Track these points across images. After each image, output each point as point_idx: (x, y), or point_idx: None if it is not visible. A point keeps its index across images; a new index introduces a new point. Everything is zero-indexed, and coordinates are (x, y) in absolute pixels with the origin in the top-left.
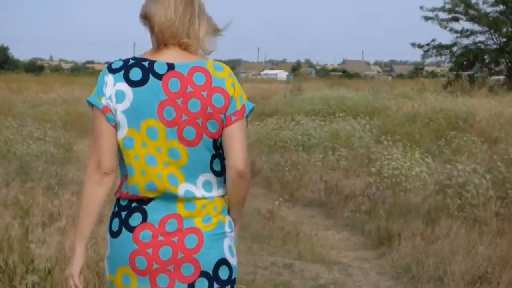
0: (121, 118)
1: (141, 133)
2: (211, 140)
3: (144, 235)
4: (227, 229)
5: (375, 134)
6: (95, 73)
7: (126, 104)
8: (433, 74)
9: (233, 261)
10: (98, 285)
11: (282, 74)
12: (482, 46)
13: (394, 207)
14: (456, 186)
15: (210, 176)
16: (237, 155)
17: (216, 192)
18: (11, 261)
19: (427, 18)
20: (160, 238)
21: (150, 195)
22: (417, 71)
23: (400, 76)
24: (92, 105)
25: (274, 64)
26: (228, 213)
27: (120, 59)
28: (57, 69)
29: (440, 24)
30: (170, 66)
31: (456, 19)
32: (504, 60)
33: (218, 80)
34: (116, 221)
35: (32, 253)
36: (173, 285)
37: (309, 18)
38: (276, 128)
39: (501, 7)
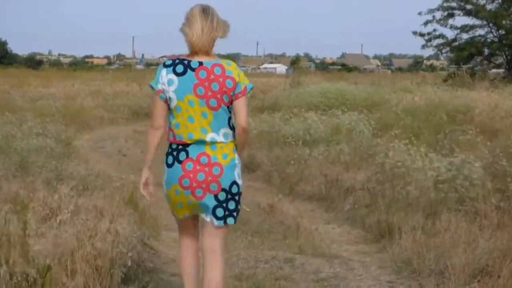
0: (172, 95)
1: (184, 103)
2: (226, 107)
3: (188, 166)
4: (236, 162)
5: (375, 128)
6: (94, 67)
7: (174, 86)
8: (432, 68)
9: (239, 182)
10: (97, 278)
11: (281, 68)
12: (482, 40)
13: (394, 200)
14: (456, 179)
15: (227, 130)
16: (241, 117)
17: (230, 138)
18: (11, 257)
19: (426, 22)
20: (198, 167)
21: (189, 142)
22: (416, 64)
23: (400, 69)
24: (152, 88)
25: (273, 58)
26: (237, 151)
27: (170, 60)
28: (56, 64)
29: (440, 24)
30: (200, 63)
31: (451, 15)
32: (503, 53)
33: (229, 71)
34: (170, 157)
35: (32, 248)
36: (205, 195)
37: (308, 11)
38: (276, 123)
39: (500, 0)
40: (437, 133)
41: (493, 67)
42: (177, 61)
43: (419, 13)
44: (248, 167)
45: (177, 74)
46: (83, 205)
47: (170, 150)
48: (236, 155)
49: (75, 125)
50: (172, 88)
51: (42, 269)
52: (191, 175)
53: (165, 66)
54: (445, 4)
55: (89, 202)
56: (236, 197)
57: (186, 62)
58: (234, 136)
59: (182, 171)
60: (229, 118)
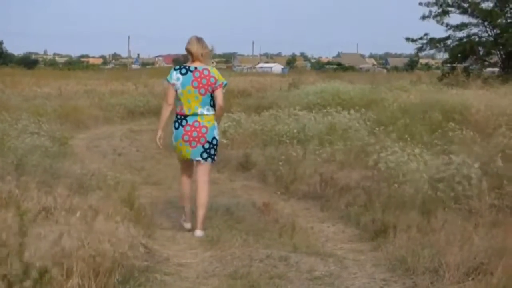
0: (179, 86)
1: (185, 91)
2: (210, 94)
3: (187, 128)
4: (215, 125)
5: (370, 127)
6: (89, 67)
7: (180, 81)
8: (427, 67)
9: (217, 137)
10: (93, 278)
11: (277, 67)
12: (476, 38)
13: (389, 199)
14: (451, 178)
15: (210, 107)
16: (219, 100)
17: (212, 112)
18: (6, 257)
19: (424, 17)
20: (193, 129)
21: (188, 114)
22: (412, 63)
23: (395, 68)
24: (167, 82)
25: (269, 57)
26: (215, 119)
27: (178, 66)
28: (51, 63)
29: (437, 21)
30: (196, 68)
31: (446, 12)
32: (498, 52)
33: (212, 73)
34: (176, 123)
35: (27, 249)
36: (197, 145)
37: (303, 11)
38: (271, 122)
39: None
40: (433, 132)
41: (488, 66)
42: (182, 66)
43: (420, 3)
44: (243, 166)
45: (182, 74)
46: (78, 204)
47: (176, 119)
48: (215, 122)
49: (70, 124)
50: (179, 82)
51: (38, 269)
52: (189, 133)
53: (175, 69)
54: (441, 0)
55: (84, 201)
56: (215, 147)
57: (187, 67)
58: (214, 110)
59: (183, 131)
60: (211, 100)
